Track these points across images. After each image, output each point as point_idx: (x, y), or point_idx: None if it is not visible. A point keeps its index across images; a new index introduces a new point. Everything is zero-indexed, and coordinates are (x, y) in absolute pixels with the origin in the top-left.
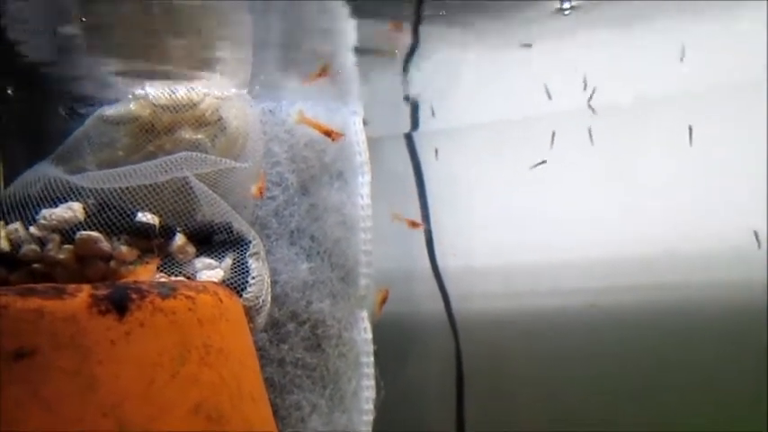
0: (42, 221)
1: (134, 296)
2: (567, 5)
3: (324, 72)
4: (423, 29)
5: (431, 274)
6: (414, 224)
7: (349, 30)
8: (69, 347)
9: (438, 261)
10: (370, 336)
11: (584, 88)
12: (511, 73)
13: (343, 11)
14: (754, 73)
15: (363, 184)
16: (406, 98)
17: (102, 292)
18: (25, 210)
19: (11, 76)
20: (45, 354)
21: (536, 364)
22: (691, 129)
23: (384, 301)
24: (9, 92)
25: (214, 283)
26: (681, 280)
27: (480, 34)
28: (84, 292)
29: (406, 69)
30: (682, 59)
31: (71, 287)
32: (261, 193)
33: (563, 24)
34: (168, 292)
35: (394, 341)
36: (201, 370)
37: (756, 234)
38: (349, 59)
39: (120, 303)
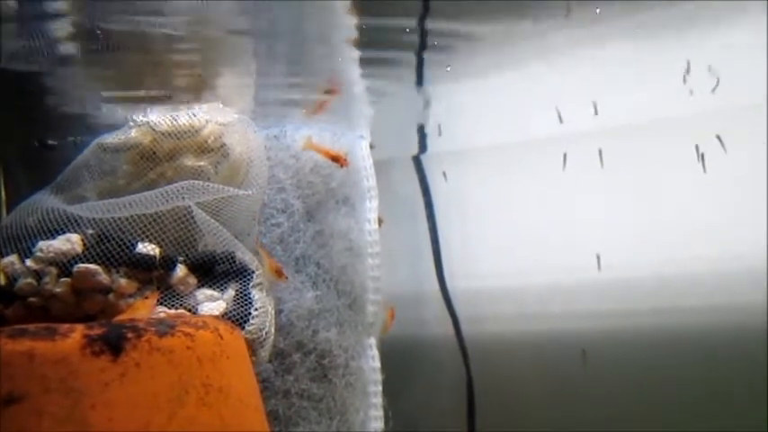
0: (39, 254)
1: (130, 335)
2: None
3: (325, 101)
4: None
5: (440, 297)
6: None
7: (354, 53)
8: (59, 391)
9: (447, 283)
10: (378, 364)
11: (596, 112)
12: (521, 94)
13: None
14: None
15: (371, 209)
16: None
17: (97, 331)
18: (22, 241)
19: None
20: (35, 399)
21: (548, 387)
22: (702, 152)
23: (392, 318)
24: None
25: (215, 317)
26: (695, 302)
27: (488, 54)
28: (77, 333)
29: (416, 91)
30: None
31: (64, 327)
32: (281, 275)
33: (572, 45)
34: (166, 329)
35: (403, 365)
36: (200, 411)
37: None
38: (356, 84)
39: (114, 343)
